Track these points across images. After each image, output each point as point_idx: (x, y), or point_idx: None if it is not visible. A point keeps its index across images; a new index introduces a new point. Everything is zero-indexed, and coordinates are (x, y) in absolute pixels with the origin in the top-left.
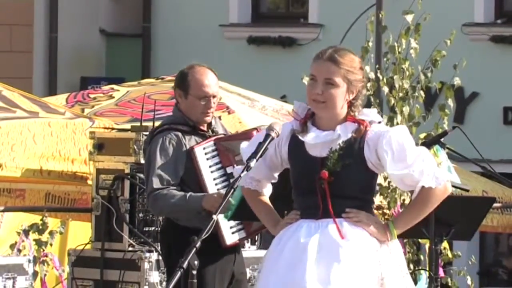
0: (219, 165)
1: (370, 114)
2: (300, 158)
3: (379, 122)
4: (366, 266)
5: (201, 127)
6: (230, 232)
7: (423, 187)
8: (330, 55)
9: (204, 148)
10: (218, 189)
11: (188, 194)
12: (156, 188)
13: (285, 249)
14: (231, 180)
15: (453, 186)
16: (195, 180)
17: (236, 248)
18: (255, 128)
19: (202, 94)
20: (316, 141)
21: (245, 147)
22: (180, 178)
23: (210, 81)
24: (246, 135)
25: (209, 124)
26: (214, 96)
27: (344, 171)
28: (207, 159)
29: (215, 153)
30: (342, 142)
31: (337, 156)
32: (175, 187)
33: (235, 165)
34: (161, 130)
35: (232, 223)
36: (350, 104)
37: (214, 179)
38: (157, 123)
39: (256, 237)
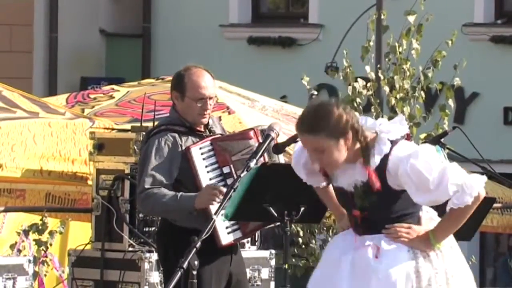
0: (215, 165)
1: (387, 132)
2: (333, 185)
3: (401, 137)
4: (396, 284)
5: (198, 128)
6: (225, 232)
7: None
8: (307, 127)
9: (200, 148)
10: None
11: (179, 194)
12: (147, 187)
13: (326, 255)
14: (227, 180)
15: None
16: (191, 180)
17: (233, 248)
18: (252, 128)
19: (198, 96)
20: (338, 178)
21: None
22: (176, 178)
23: (207, 82)
24: (243, 135)
25: (206, 125)
26: (210, 98)
27: (375, 205)
28: (203, 159)
29: (211, 153)
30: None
31: (362, 193)
32: (167, 188)
33: (231, 165)
34: (158, 131)
35: (228, 223)
36: (355, 133)
37: (211, 179)
38: (156, 124)
39: (256, 237)
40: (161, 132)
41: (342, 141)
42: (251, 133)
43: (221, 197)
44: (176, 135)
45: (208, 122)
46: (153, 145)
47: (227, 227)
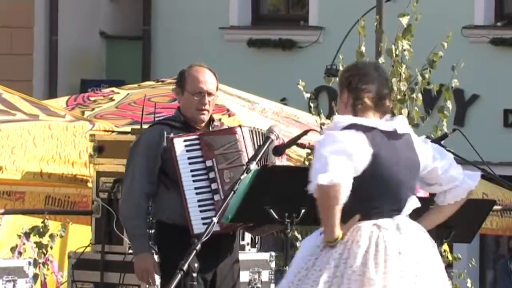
0: (199, 159)
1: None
2: None
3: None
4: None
5: (197, 126)
6: (200, 223)
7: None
8: None
9: (185, 141)
10: (194, 181)
11: (140, 231)
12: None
13: None
14: (210, 174)
15: None
16: (173, 170)
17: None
18: (239, 125)
19: (196, 89)
20: None
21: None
22: (162, 168)
23: (206, 78)
24: (227, 130)
25: (208, 125)
26: (209, 94)
27: None
28: (187, 151)
29: (197, 147)
30: None
31: None
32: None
33: (213, 159)
34: (150, 126)
35: (206, 214)
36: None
37: (192, 170)
38: None
39: (257, 239)
40: (152, 126)
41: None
42: (237, 129)
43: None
44: (167, 128)
45: (210, 122)
46: (143, 138)
47: (203, 218)
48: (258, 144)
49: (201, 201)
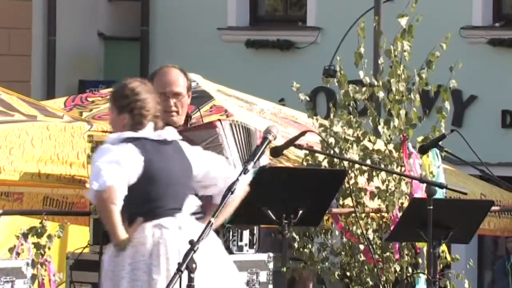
0: None
1: None
2: None
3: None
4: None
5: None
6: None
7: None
8: None
9: None
10: None
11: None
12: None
13: None
14: None
15: (451, 189)
16: None
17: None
18: (219, 119)
19: (160, 91)
20: None
21: None
22: None
23: (171, 78)
24: (209, 125)
25: (186, 124)
26: (176, 95)
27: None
28: None
29: None
30: None
31: None
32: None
33: None
34: None
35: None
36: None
37: None
38: None
39: (255, 240)
40: None
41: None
42: (217, 123)
43: None
44: None
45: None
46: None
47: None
48: (239, 137)
49: None
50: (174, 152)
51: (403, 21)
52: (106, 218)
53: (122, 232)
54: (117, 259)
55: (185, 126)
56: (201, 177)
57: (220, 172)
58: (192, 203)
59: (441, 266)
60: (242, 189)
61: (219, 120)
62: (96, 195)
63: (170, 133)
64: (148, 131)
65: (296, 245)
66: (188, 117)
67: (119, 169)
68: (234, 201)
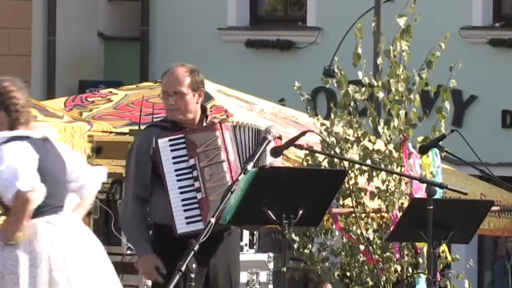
0: (185, 157)
1: None
2: None
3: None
4: None
5: (185, 126)
6: (184, 222)
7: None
8: None
9: (170, 140)
10: (178, 180)
11: (137, 235)
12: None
13: None
14: (193, 172)
15: (451, 189)
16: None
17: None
18: (220, 121)
19: (162, 90)
20: None
21: None
22: (153, 170)
23: (172, 77)
24: (210, 127)
25: (201, 124)
26: (176, 93)
27: None
28: (172, 150)
29: (182, 145)
30: None
31: None
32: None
33: (195, 157)
34: (144, 129)
35: (190, 213)
36: None
37: (177, 170)
38: None
39: (255, 240)
40: (144, 129)
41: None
42: (217, 126)
43: (156, 275)
44: (157, 130)
45: (204, 121)
46: (135, 143)
47: (187, 217)
48: (244, 139)
49: (184, 200)
50: (54, 150)
51: (402, 21)
52: (20, 217)
53: (22, 229)
54: (4, 253)
55: (199, 125)
56: (69, 174)
57: (82, 170)
58: (72, 201)
59: (441, 266)
60: (94, 189)
61: (220, 122)
62: (22, 195)
63: (49, 132)
64: (33, 130)
65: (295, 245)
66: (204, 115)
67: (33, 168)
68: (87, 200)
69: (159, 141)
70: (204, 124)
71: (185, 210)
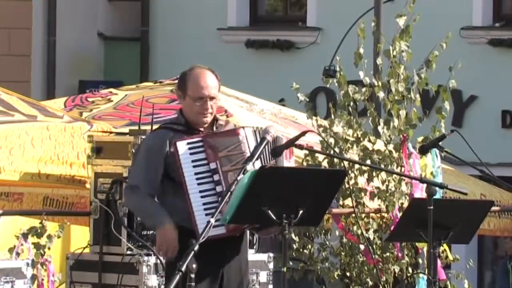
0: (204, 161)
1: None
2: None
3: None
4: None
5: (200, 128)
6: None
7: None
8: None
9: (188, 143)
10: (198, 184)
11: (155, 208)
12: (133, 185)
13: None
14: (214, 176)
15: (451, 190)
16: (178, 173)
17: (226, 249)
18: (242, 127)
19: (197, 95)
20: None
21: None
22: (167, 173)
23: (208, 82)
24: (231, 132)
25: (212, 126)
26: (212, 98)
27: None
28: (191, 153)
29: (201, 149)
30: None
31: None
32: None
33: (217, 161)
34: (155, 129)
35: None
36: None
37: (197, 173)
38: (155, 127)
39: (254, 240)
40: (154, 131)
41: None
42: (240, 130)
43: (169, 253)
44: (170, 132)
45: (214, 122)
46: (145, 143)
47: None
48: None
49: (206, 204)
50: None
51: (401, 21)
52: None
53: None
54: None
55: (207, 131)
56: None
57: None
58: None
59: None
60: None
61: (242, 127)
62: None
63: None
64: None
65: (295, 246)
66: (214, 119)
67: None
68: None
69: (178, 143)
70: (214, 127)
71: (207, 215)
